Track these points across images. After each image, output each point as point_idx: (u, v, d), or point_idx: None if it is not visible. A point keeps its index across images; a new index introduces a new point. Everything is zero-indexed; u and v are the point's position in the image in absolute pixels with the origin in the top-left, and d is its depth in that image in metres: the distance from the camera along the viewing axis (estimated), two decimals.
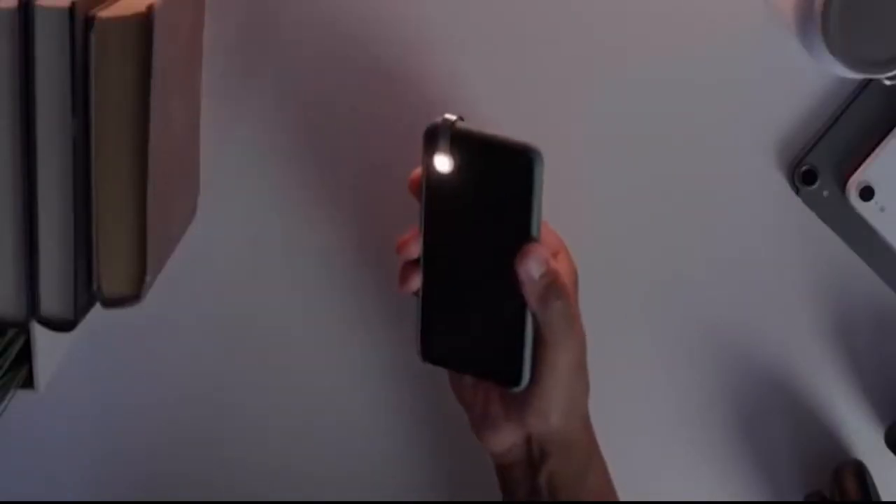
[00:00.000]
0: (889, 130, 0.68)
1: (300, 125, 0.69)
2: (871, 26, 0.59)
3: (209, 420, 0.72)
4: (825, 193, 0.70)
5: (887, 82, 0.64)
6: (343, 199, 0.70)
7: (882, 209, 0.69)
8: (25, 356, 0.61)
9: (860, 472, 0.70)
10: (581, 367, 0.62)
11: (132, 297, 0.55)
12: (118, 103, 0.52)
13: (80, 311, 0.55)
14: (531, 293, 0.59)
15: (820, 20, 0.58)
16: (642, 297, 0.71)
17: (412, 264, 0.62)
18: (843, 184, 0.69)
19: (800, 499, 0.73)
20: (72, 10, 0.50)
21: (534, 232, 0.59)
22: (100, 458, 0.72)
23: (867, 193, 0.68)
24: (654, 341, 0.72)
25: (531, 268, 0.58)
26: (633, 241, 0.70)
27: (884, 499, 0.69)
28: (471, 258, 0.60)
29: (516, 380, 0.61)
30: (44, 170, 0.52)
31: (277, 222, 0.70)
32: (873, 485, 0.70)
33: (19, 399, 0.62)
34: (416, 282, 0.62)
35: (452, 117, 0.58)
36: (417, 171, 0.60)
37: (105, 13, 0.51)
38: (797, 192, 0.70)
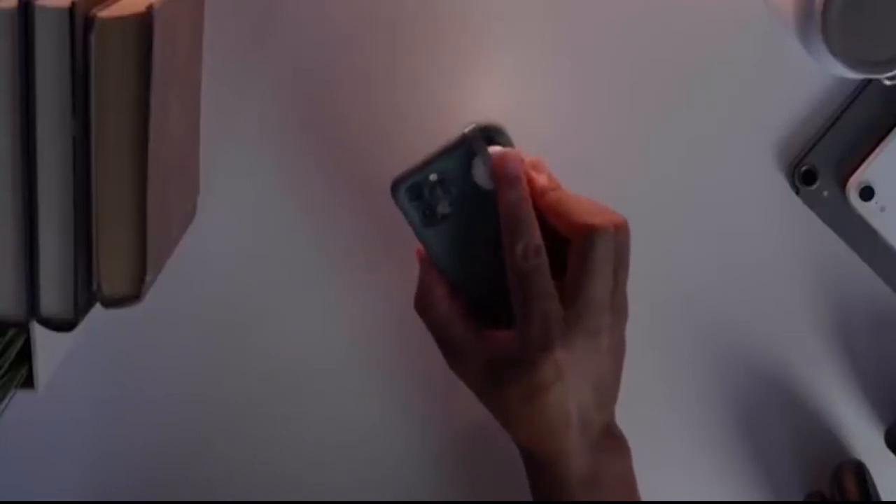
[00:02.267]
0: (889, 130, 0.68)
1: (300, 125, 0.69)
2: (871, 26, 0.59)
3: (209, 420, 0.72)
4: (825, 193, 0.70)
5: (887, 82, 0.64)
6: (344, 198, 0.70)
7: (882, 209, 0.69)
8: (25, 356, 0.61)
9: (860, 472, 0.70)
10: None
11: (132, 297, 0.55)
12: (118, 103, 0.52)
13: (80, 311, 0.55)
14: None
15: (820, 20, 0.58)
16: (641, 296, 0.71)
17: None
18: (843, 184, 0.69)
19: (800, 499, 0.73)
20: (72, 10, 0.50)
21: None
22: (100, 458, 0.72)
23: (867, 193, 0.68)
24: (653, 341, 0.71)
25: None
26: (632, 241, 0.70)
27: (884, 499, 0.69)
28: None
29: None
30: (44, 170, 0.52)
31: (277, 222, 0.70)
32: (873, 485, 0.70)
33: (19, 399, 0.62)
34: None
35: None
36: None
37: (105, 13, 0.51)
38: (797, 192, 0.70)
